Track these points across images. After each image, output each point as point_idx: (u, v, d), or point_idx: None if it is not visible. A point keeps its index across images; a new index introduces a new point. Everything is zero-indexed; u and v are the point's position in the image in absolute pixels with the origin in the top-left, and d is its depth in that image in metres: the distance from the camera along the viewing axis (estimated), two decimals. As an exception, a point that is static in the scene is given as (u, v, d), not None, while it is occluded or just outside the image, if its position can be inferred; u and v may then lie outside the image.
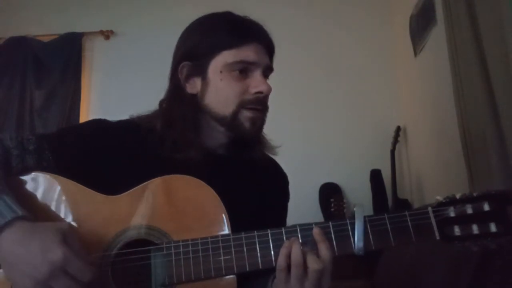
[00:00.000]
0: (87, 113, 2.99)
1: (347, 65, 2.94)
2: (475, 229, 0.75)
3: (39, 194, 0.83)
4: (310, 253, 0.74)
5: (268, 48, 0.97)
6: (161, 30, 2.98)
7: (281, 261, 0.75)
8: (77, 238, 0.74)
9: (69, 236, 0.72)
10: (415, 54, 2.51)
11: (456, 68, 1.68)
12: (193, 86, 0.94)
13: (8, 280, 0.72)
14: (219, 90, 0.91)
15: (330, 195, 2.64)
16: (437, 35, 2.10)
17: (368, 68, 2.94)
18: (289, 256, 0.75)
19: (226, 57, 0.91)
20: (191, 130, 0.92)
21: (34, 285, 0.68)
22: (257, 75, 0.92)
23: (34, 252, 0.68)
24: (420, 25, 2.37)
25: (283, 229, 0.78)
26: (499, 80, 1.43)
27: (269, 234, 0.77)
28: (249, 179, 0.97)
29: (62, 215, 0.81)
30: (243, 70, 0.91)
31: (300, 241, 0.76)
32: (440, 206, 0.78)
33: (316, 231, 0.77)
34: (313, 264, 0.73)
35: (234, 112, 0.91)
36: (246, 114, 0.91)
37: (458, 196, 0.78)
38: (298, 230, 0.78)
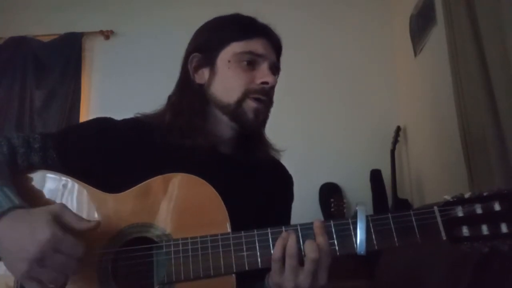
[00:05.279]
0: (87, 113, 2.99)
1: (347, 65, 2.94)
2: (484, 229, 0.72)
3: (43, 191, 0.83)
4: (308, 240, 0.74)
5: (276, 46, 0.99)
6: (161, 30, 2.98)
7: (276, 251, 0.74)
8: (71, 215, 0.73)
9: (61, 216, 0.72)
10: (415, 54, 2.51)
11: (456, 68, 1.68)
12: (201, 76, 0.96)
13: (6, 268, 0.71)
14: (226, 79, 0.93)
15: (330, 195, 2.64)
16: (437, 35, 2.10)
17: (368, 68, 2.94)
18: (285, 247, 0.74)
19: (235, 47, 0.93)
20: (199, 119, 0.94)
21: (27, 266, 0.67)
22: (264, 67, 0.94)
23: (24, 234, 0.68)
24: (420, 25, 2.37)
25: (283, 228, 0.77)
26: (499, 80, 1.43)
27: (269, 233, 0.77)
28: (253, 179, 0.97)
29: None
30: (250, 62, 0.93)
31: (301, 240, 0.75)
32: (447, 206, 0.75)
33: (317, 224, 0.76)
34: (309, 251, 0.73)
35: (239, 100, 0.92)
36: (250, 104, 0.92)
37: (466, 195, 0.75)
38: (299, 229, 0.77)
